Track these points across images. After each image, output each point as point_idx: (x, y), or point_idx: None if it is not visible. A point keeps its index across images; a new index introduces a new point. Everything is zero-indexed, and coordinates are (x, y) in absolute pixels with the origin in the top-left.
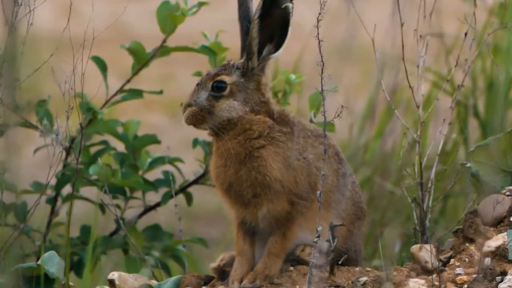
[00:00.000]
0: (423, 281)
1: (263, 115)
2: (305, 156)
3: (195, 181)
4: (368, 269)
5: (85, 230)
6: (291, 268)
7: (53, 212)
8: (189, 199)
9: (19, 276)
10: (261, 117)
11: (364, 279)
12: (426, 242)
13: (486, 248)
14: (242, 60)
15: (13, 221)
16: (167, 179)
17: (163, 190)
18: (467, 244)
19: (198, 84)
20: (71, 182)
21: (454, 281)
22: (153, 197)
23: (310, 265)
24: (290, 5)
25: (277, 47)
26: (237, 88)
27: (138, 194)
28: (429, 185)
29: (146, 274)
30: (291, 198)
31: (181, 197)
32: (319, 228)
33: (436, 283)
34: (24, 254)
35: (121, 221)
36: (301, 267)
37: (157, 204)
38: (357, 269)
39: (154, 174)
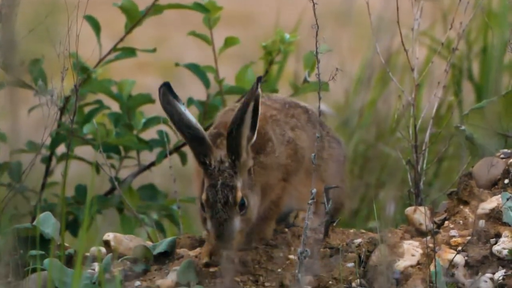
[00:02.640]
0: (417, 243)
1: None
2: (291, 136)
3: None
4: (363, 231)
5: (80, 190)
6: (286, 229)
7: (48, 172)
8: (183, 158)
9: (14, 237)
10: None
11: (358, 241)
12: (421, 205)
13: (480, 211)
14: (228, 163)
15: (7, 181)
16: (162, 139)
17: (157, 150)
18: (461, 207)
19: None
20: (66, 142)
21: (448, 243)
22: (147, 156)
23: (304, 226)
24: (259, 91)
25: (252, 131)
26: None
27: (133, 154)
28: (424, 147)
29: (141, 234)
30: (285, 177)
31: (175, 157)
32: (314, 190)
33: (431, 245)
34: (19, 214)
35: (115, 181)
36: (295, 229)
37: (152, 164)
38: (351, 231)
39: (149, 134)
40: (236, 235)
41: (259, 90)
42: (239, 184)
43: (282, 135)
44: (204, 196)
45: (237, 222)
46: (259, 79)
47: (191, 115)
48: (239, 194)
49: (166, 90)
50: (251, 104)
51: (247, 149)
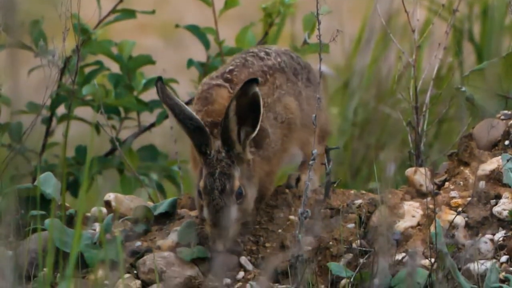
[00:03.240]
0: (417, 204)
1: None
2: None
3: (190, 102)
4: (363, 192)
5: (81, 151)
6: (287, 190)
7: (48, 133)
8: None
9: (15, 197)
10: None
11: (359, 201)
12: (421, 166)
13: (480, 172)
14: (225, 153)
15: (8, 141)
16: None
17: (158, 111)
18: (461, 168)
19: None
20: (66, 103)
21: (448, 204)
22: (148, 117)
23: (305, 187)
24: (258, 91)
25: (253, 127)
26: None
27: (133, 115)
28: (424, 109)
29: (142, 195)
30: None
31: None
32: (315, 151)
33: (431, 206)
34: (19, 174)
35: (116, 142)
36: (296, 190)
37: (152, 125)
38: (352, 192)
39: (149, 95)
40: (232, 223)
41: (257, 90)
42: (236, 173)
43: (275, 119)
44: (202, 184)
45: (233, 211)
46: (254, 80)
47: (187, 107)
48: (237, 183)
49: (162, 84)
50: (240, 103)
51: (243, 143)
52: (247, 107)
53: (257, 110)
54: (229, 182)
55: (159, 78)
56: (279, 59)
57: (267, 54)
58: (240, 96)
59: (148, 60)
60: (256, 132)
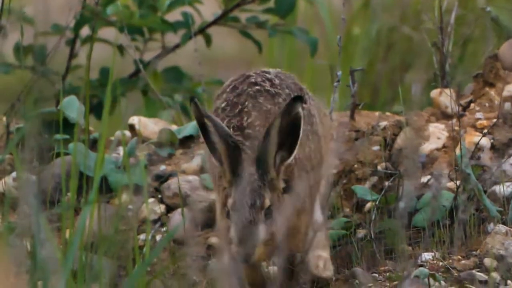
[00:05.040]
0: (443, 126)
1: None
2: None
3: (214, 22)
4: (388, 114)
5: (105, 72)
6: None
7: (72, 55)
8: (208, 40)
9: (39, 121)
10: None
11: (384, 124)
12: (446, 87)
13: (506, 93)
14: (258, 175)
15: (31, 64)
16: (186, 21)
17: (182, 31)
18: (487, 89)
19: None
20: (90, 24)
21: (474, 126)
22: (172, 38)
23: (330, 110)
24: (301, 111)
25: (289, 152)
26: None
27: (157, 36)
28: (449, 29)
29: (166, 117)
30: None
31: (200, 39)
32: (339, 73)
33: (456, 128)
34: (43, 98)
35: (140, 63)
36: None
37: (177, 46)
38: (376, 114)
39: (173, 16)
40: (259, 243)
41: (300, 110)
42: (267, 195)
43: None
44: (231, 201)
45: (262, 229)
46: (298, 98)
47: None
48: (267, 202)
49: (196, 102)
50: (282, 123)
51: (278, 169)
52: (287, 129)
53: (296, 133)
54: (259, 199)
55: (192, 98)
56: (287, 91)
57: (275, 86)
58: (283, 115)
59: None
60: (292, 158)
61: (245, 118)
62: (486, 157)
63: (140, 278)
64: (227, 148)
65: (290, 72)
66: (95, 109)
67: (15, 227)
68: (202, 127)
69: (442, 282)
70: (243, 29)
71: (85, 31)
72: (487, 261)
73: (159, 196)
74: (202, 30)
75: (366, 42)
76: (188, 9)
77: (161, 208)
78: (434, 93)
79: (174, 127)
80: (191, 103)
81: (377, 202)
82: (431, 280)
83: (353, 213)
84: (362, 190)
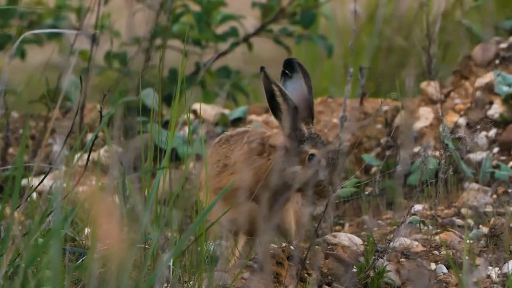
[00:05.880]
0: (430, 109)
1: None
2: None
3: (255, 33)
4: (388, 100)
5: (173, 72)
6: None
7: (148, 59)
8: (250, 46)
9: (124, 107)
10: None
11: (385, 108)
12: (432, 80)
13: (477, 84)
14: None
15: (117, 66)
16: (233, 32)
17: (230, 40)
18: (463, 81)
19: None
20: (162, 36)
21: (453, 109)
22: (222, 46)
23: (344, 97)
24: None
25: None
26: None
27: (211, 44)
28: (434, 36)
29: (219, 104)
30: None
31: (244, 47)
32: (351, 69)
33: (440, 110)
34: (127, 90)
35: (199, 64)
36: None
37: (226, 51)
38: (379, 100)
39: (223, 28)
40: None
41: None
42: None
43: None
44: (313, 150)
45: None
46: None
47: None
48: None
49: (266, 71)
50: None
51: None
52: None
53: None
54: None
55: (262, 68)
56: None
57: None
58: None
59: (221, 3)
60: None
61: None
62: (462, 133)
63: (201, 225)
64: (288, 108)
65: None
66: (166, 99)
67: (107, 187)
68: (269, 92)
69: (430, 227)
70: (276, 38)
71: (157, 41)
72: (464, 210)
73: None
74: (245, 39)
75: (371, 47)
76: (234, 23)
77: None
78: (423, 84)
79: (226, 111)
80: (261, 72)
81: (380, 167)
82: (422, 225)
83: (362, 175)
84: (369, 158)
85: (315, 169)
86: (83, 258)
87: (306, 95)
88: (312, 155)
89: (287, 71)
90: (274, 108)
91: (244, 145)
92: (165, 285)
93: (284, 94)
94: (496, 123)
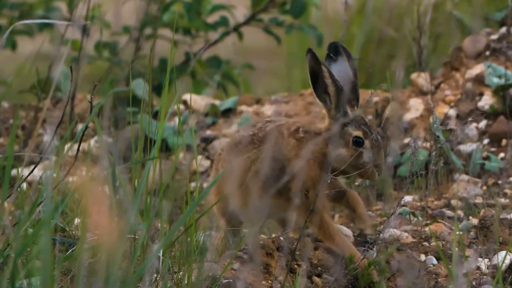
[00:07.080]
0: (420, 100)
1: None
2: None
3: (245, 23)
4: (379, 91)
5: (163, 61)
6: None
7: (138, 48)
8: (240, 36)
9: (114, 97)
10: None
11: (376, 99)
12: (423, 71)
13: (467, 75)
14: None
15: (108, 55)
16: (224, 21)
17: (221, 29)
18: (453, 73)
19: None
20: (152, 25)
21: (443, 100)
22: (212, 35)
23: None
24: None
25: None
26: None
27: (202, 33)
28: (425, 28)
29: (209, 94)
30: None
31: (234, 36)
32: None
33: (430, 102)
34: (117, 80)
35: (189, 54)
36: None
37: (216, 41)
38: (370, 91)
39: (213, 18)
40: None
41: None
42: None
43: None
44: (359, 133)
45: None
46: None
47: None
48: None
49: (314, 53)
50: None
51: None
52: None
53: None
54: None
55: (310, 50)
56: None
57: None
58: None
59: None
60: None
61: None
62: (452, 124)
63: (191, 216)
64: (336, 90)
65: (302, 61)
66: (156, 89)
67: (97, 177)
68: (314, 73)
69: (420, 218)
70: (266, 27)
71: (148, 31)
72: (454, 202)
73: (206, 154)
74: (236, 29)
75: (362, 38)
76: (224, 12)
77: (207, 163)
78: (413, 75)
79: (216, 102)
80: (307, 54)
81: None
82: (411, 217)
83: None
84: None
85: (359, 151)
86: (73, 249)
87: (351, 77)
88: (357, 137)
89: (331, 55)
90: (318, 90)
91: (289, 139)
92: (155, 275)
93: (332, 75)
94: (486, 115)
